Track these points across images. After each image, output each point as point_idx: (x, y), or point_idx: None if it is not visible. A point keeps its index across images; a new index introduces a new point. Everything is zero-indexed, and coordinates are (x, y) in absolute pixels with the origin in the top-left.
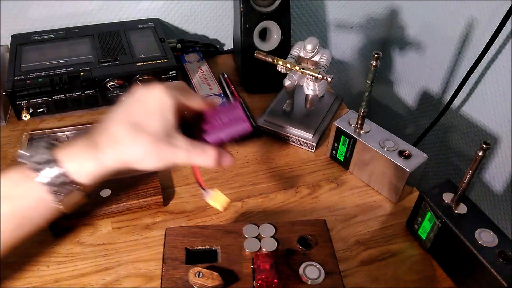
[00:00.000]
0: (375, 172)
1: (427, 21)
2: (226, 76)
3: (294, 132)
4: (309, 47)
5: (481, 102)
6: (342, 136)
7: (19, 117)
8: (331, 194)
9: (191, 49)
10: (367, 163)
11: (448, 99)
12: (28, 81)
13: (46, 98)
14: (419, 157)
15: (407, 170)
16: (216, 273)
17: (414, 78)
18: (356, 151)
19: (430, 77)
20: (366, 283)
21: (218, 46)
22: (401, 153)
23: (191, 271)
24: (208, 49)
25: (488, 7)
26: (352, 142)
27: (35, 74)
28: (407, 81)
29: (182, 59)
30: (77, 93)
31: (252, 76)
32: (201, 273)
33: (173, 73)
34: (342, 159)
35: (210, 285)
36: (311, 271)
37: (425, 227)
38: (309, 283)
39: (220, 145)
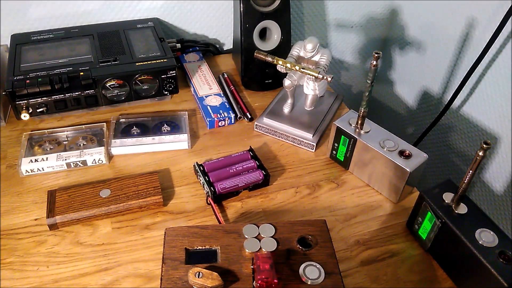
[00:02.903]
0: (375, 172)
1: (427, 21)
2: (226, 75)
3: (294, 132)
4: (309, 46)
5: (481, 102)
6: (342, 136)
7: (18, 117)
8: (331, 194)
9: (190, 49)
10: (367, 163)
11: (448, 99)
12: (28, 80)
13: (45, 98)
14: (419, 157)
15: (407, 170)
16: (215, 273)
17: (414, 78)
18: (356, 151)
19: (430, 77)
20: (366, 283)
21: (218, 46)
22: (401, 153)
23: (190, 271)
24: (207, 48)
25: (488, 7)
26: (352, 142)
27: (35, 74)
28: (407, 81)
29: (182, 59)
30: (77, 93)
31: (252, 75)
32: (200, 273)
33: (173, 73)
34: (342, 159)
35: (209, 285)
36: (311, 271)
37: (425, 227)
38: (309, 283)
39: (235, 192)
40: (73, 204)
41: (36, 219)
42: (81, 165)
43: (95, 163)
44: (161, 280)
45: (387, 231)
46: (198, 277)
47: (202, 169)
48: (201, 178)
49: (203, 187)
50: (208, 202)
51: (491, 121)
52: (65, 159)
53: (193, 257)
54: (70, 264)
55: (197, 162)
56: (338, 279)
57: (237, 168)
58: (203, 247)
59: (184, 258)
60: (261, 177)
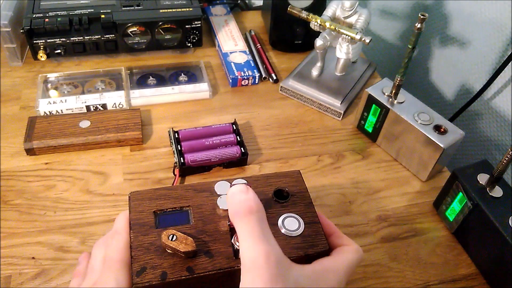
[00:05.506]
0: (404, 147)
1: None
2: (253, 33)
3: (321, 97)
4: (347, 4)
5: None
6: (374, 105)
7: (35, 57)
8: (355, 165)
9: (218, 1)
10: (398, 136)
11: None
12: (47, 19)
13: (64, 39)
14: (455, 133)
15: (441, 146)
16: (191, 239)
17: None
18: (387, 122)
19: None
20: (384, 261)
21: (247, 1)
22: (436, 128)
23: (164, 233)
24: (236, 2)
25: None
26: (384, 112)
27: (54, 12)
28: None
29: (208, 11)
30: (96, 37)
31: (281, 35)
32: (175, 236)
33: (198, 24)
34: (370, 130)
35: (182, 250)
36: (290, 223)
37: (454, 209)
38: (289, 234)
39: (207, 166)
40: (51, 131)
41: (46, 163)
42: (101, 108)
43: (116, 107)
44: (131, 248)
45: (412, 209)
46: (172, 239)
47: (176, 136)
48: (173, 146)
49: (174, 156)
50: (175, 173)
51: None
52: (85, 102)
53: (163, 220)
54: (78, 212)
55: (172, 128)
56: (319, 227)
57: (214, 141)
58: (173, 209)
59: (153, 223)
60: (238, 154)
